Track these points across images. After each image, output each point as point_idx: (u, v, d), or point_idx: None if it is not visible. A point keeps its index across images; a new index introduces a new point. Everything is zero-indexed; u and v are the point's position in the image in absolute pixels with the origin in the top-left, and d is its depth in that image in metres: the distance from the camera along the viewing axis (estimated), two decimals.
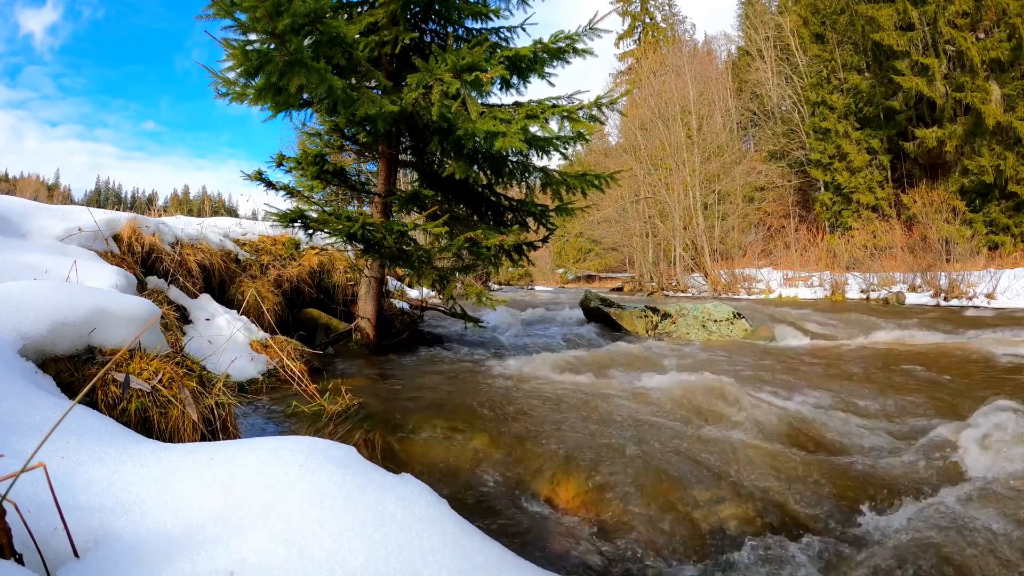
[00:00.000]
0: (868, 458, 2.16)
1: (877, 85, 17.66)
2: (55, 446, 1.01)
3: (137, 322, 1.75)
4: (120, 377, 1.61)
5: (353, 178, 5.47)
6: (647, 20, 35.47)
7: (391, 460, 2.10)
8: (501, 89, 4.70)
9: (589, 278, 33.44)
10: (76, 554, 0.77)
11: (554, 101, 4.20)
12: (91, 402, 1.52)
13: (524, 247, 4.94)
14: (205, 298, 3.75)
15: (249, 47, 3.39)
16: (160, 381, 1.69)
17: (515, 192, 5.51)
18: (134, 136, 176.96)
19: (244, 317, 3.68)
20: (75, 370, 1.57)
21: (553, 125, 4.11)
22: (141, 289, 3.26)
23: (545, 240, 5.15)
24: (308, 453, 1.10)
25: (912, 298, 12.07)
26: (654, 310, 6.68)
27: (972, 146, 15.43)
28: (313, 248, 5.78)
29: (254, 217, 9.20)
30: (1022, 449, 2.00)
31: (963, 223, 14.88)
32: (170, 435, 1.64)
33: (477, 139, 3.97)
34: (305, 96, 4.13)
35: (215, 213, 25.57)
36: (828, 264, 16.57)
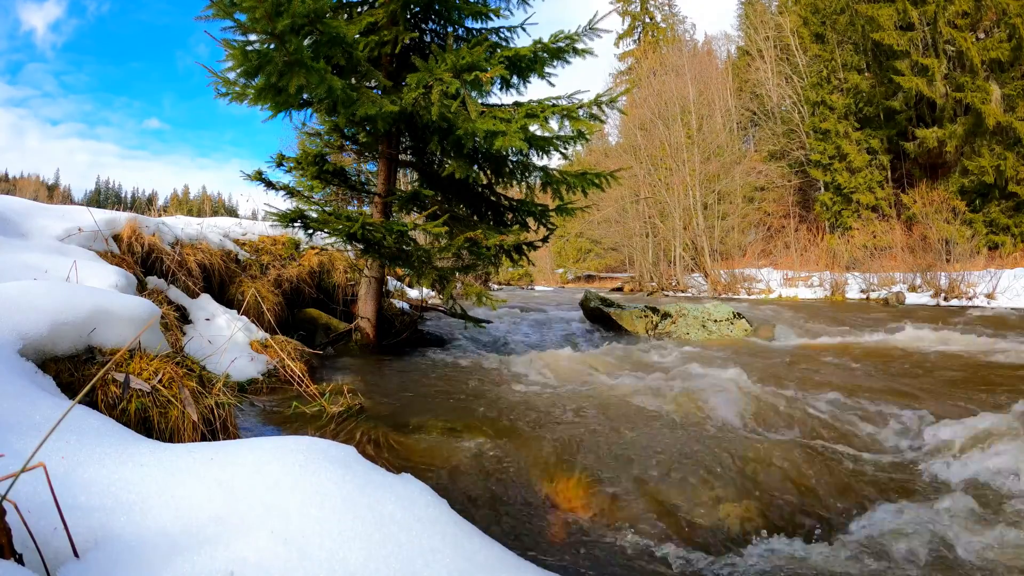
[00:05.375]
0: (864, 455, 2.16)
1: (877, 85, 17.65)
2: (55, 446, 1.01)
3: (137, 322, 1.75)
4: (120, 377, 1.61)
5: (353, 178, 5.48)
6: (647, 20, 35.46)
7: (391, 460, 2.10)
8: (501, 89, 4.70)
9: (589, 278, 33.43)
10: (76, 554, 0.77)
11: (554, 100, 4.19)
12: (91, 402, 1.52)
13: (524, 247, 4.94)
14: (205, 298, 3.75)
15: (249, 47, 3.39)
16: (160, 381, 1.69)
17: (515, 192, 5.51)
18: (137, 135, 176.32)
19: (244, 317, 3.68)
20: (75, 370, 1.57)
21: (553, 124, 4.11)
22: (141, 289, 3.25)
23: (545, 240, 5.15)
24: (308, 453, 1.10)
25: (912, 298, 12.06)
26: (654, 310, 6.68)
27: (972, 146, 15.41)
28: (313, 248, 5.78)
29: (254, 217, 9.20)
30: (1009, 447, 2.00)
31: (963, 223, 14.87)
32: (170, 435, 1.64)
33: (477, 139, 3.97)
34: (305, 96, 4.13)
35: (215, 213, 25.51)
36: (828, 264, 16.55)
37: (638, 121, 23.21)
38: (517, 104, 4.29)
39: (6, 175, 78.05)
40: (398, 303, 6.29)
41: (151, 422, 1.61)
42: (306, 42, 3.43)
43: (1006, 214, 14.91)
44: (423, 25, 4.81)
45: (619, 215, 25.07)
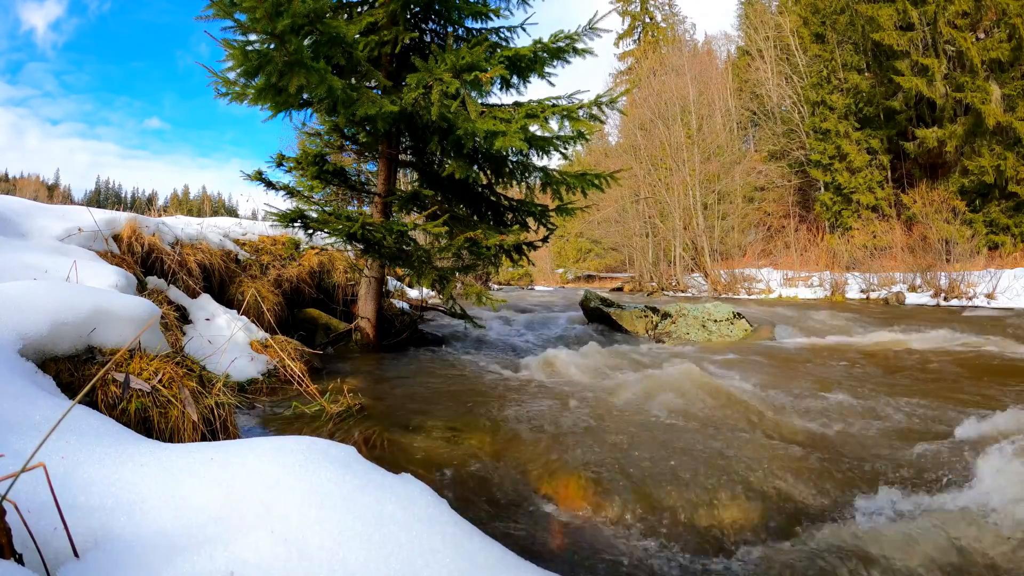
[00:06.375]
0: (866, 456, 2.16)
1: (877, 85, 17.64)
2: (55, 446, 1.01)
3: (137, 322, 1.75)
4: (120, 377, 1.61)
5: (353, 178, 5.48)
6: (647, 20, 35.44)
7: (391, 460, 2.10)
8: (501, 89, 4.71)
9: (589, 278, 33.42)
10: (76, 554, 0.77)
11: (554, 101, 4.20)
12: (91, 402, 1.52)
13: (524, 247, 4.94)
14: (205, 298, 3.75)
15: (249, 47, 3.39)
16: (160, 381, 1.69)
17: (515, 192, 5.51)
18: (137, 134, 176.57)
19: (244, 317, 3.68)
20: (75, 370, 1.57)
21: (553, 124, 4.12)
22: (141, 289, 3.25)
23: (545, 240, 5.16)
24: (308, 453, 1.10)
25: (912, 298, 12.06)
26: (654, 310, 6.68)
27: (972, 146, 15.40)
28: (313, 248, 5.78)
29: (254, 217, 9.21)
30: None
31: (963, 223, 14.86)
32: (170, 435, 1.64)
33: (477, 139, 3.97)
34: (305, 96, 4.13)
35: (215, 213, 25.50)
36: (828, 264, 16.55)
37: (638, 121, 23.20)
38: (517, 104, 4.29)
39: (6, 175, 78.05)
40: (398, 303, 6.29)
41: (151, 422, 1.62)
42: (306, 42, 3.44)
43: (1006, 214, 14.90)
44: (423, 25, 4.81)
45: (619, 215, 25.08)
